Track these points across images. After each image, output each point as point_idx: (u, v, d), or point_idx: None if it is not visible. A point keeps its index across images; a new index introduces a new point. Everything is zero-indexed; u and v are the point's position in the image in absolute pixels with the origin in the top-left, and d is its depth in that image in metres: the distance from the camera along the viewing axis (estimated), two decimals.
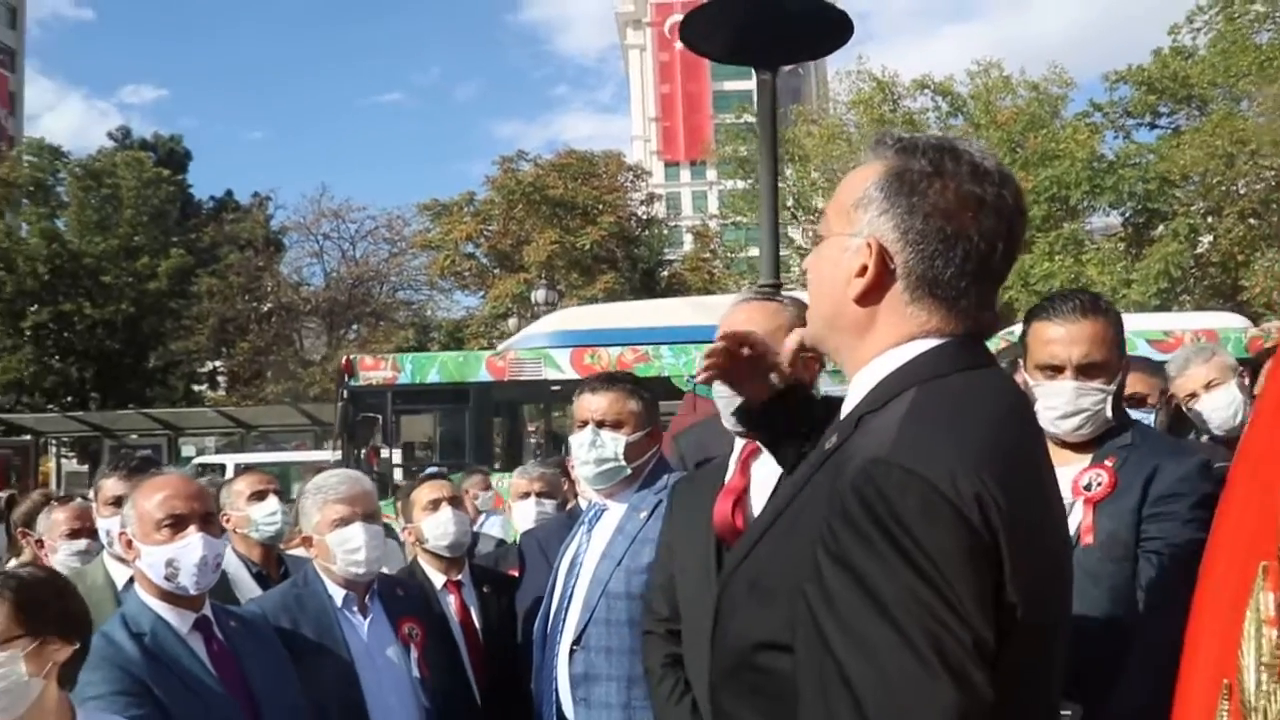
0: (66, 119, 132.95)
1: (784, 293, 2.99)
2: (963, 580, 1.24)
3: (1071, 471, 2.54)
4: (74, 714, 2.29)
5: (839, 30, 4.82)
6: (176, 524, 2.78)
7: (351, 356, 15.44)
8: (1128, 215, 28.68)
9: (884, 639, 1.23)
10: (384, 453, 14.29)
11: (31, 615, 2.19)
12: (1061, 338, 2.60)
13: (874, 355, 1.48)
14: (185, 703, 2.64)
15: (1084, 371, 2.58)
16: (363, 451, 14.29)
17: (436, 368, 14.82)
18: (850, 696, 1.23)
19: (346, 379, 14.59)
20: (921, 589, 1.23)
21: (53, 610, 2.26)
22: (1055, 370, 2.61)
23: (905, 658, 1.22)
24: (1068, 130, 27.69)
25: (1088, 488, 2.52)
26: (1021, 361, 2.74)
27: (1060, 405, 2.58)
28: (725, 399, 2.67)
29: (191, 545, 2.77)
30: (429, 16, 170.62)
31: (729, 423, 2.70)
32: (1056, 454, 2.58)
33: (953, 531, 1.25)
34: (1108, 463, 2.55)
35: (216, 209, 41.21)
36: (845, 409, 1.52)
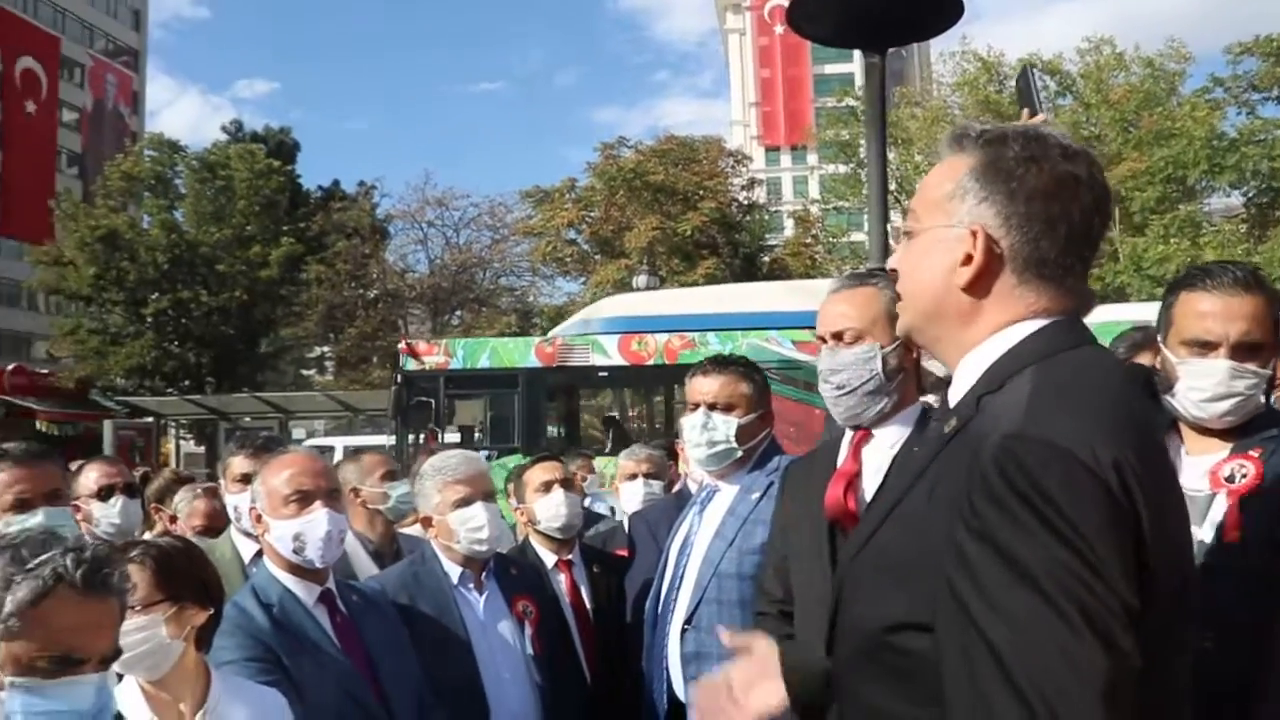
0: (184, 114, 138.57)
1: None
2: (1107, 548, 1.25)
3: (1208, 461, 2.36)
4: (209, 676, 2.41)
5: (949, 10, 4.73)
6: (303, 500, 2.89)
7: (408, 341, 15.71)
8: (1250, 195, 27.58)
9: (1031, 609, 1.23)
10: (441, 437, 14.49)
11: (170, 581, 2.32)
12: (1219, 311, 2.34)
13: (981, 340, 1.51)
14: (311, 671, 2.74)
15: (1240, 351, 2.33)
16: (421, 435, 14.54)
17: (487, 353, 15.01)
18: (999, 669, 1.23)
19: (402, 363, 14.89)
20: (1068, 558, 1.23)
21: (190, 577, 2.38)
22: (1207, 347, 2.36)
23: (1055, 626, 1.22)
24: (1185, 107, 26.71)
25: (1230, 479, 2.31)
26: (1160, 338, 2.51)
27: (1209, 386, 2.34)
28: (833, 395, 2.65)
29: (318, 520, 2.88)
30: (529, 5, 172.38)
31: (839, 416, 2.70)
32: (1190, 440, 2.42)
33: (1095, 500, 1.26)
34: (1253, 453, 2.32)
35: (324, 198, 42.19)
36: (955, 393, 1.54)
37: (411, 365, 14.70)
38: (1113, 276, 24.23)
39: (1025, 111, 2.27)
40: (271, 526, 2.90)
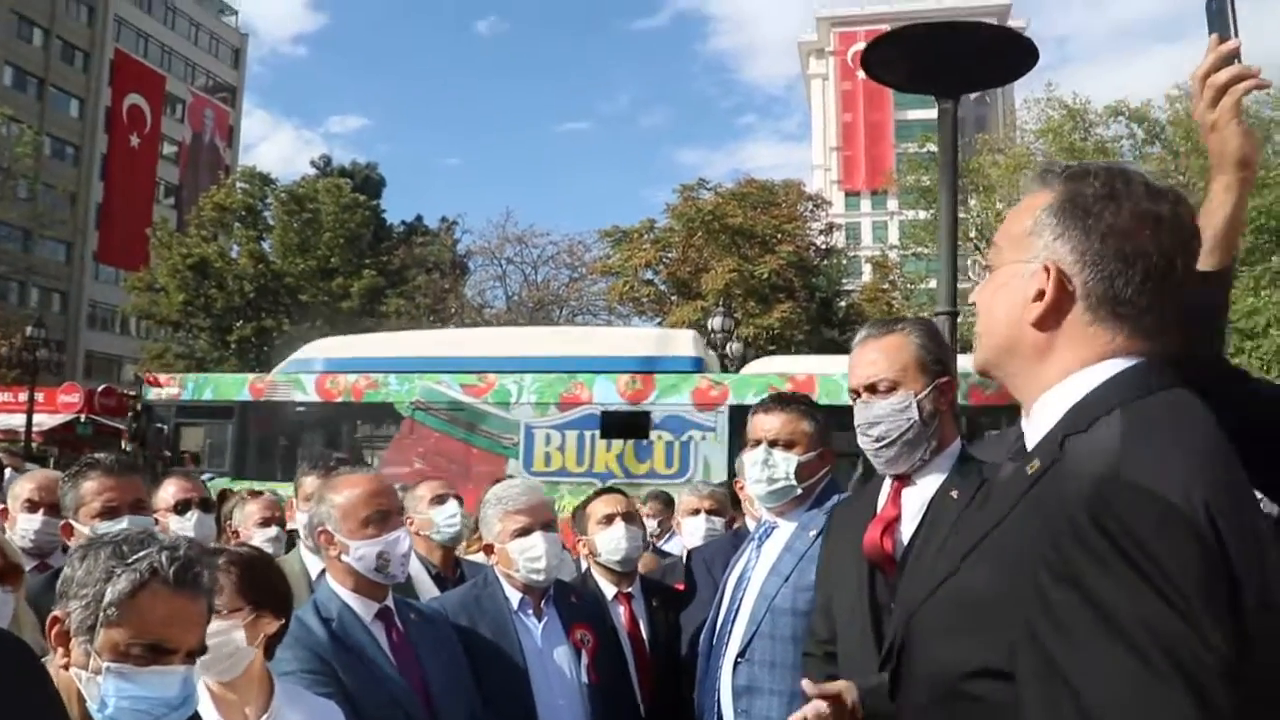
0: (278, 148, 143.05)
1: (941, 320, 2.92)
2: (1202, 598, 1.19)
3: None
4: (273, 683, 2.50)
5: (1023, 57, 4.75)
6: (383, 519, 2.99)
7: (149, 374, 17.52)
8: None
9: (1123, 662, 1.18)
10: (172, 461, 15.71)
11: (251, 590, 2.42)
12: None
13: (1058, 378, 1.48)
14: (366, 685, 2.81)
15: None
16: (157, 459, 15.71)
17: (211, 387, 16.58)
18: None
19: (144, 393, 16.41)
20: (1161, 609, 1.18)
21: (269, 588, 2.48)
22: None
23: (1147, 681, 1.17)
24: None
25: None
26: None
27: None
28: (874, 448, 2.68)
29: (401, 538, 2.99)
30: (619, 47, 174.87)
31: (881, 467, 2.74)
32: None
33: (1190, 548, 1.21)
34: None
35: (407, 233, 43.22)
36: (1034, 432, 1.50)
37: (151, 395, 16.28)
38: None
39: (1214, 38, 2.02)
40: (351, 546, 2.96)
